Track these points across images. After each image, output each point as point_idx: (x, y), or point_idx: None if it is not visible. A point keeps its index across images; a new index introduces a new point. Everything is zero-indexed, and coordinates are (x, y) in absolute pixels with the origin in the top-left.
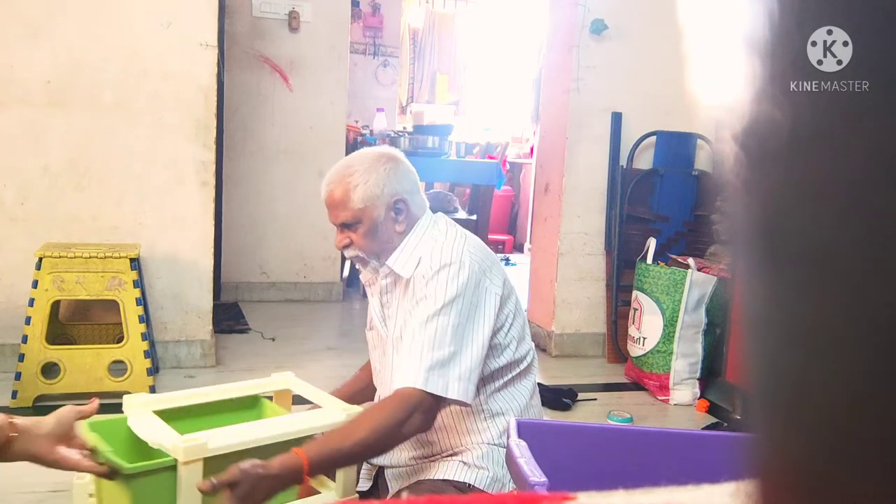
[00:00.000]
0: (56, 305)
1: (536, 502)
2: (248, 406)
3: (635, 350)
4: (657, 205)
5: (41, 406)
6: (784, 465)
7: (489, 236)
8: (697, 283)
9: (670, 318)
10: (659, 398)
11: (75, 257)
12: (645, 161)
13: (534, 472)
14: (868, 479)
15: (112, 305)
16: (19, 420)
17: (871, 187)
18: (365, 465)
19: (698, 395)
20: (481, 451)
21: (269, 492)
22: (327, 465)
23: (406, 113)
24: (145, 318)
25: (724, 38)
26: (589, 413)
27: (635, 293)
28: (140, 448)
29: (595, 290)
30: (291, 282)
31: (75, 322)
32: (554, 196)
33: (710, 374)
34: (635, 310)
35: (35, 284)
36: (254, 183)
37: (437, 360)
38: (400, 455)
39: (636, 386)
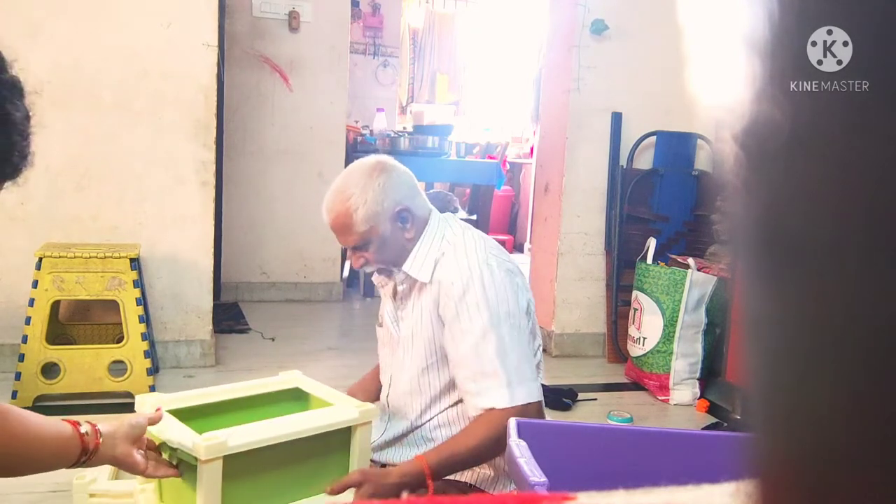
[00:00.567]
0: (56, 305)
1: (536, 502)
2: (293, 398)
3: (635, 350)
4: (657, 205)
5: (41, 406)
6: (784, 465)
7: (489, 236)
8: (697, 283)
9: (670, 318)
10: (659, 398)
11: (75, 257)
12: (645, 161)
13: (534, 472)
14: (868, 480)
15: (112, 305)
16: (102, 426)
17: (871, 187)
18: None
19: (698, 395)
20: None
21: (391, 494)
22: (445, 471)
23: (406, 113)
24: (145, 318)
25: (724, 37)
26: (589, 413)
27: (635, 293)
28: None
29: (595, 290)
30: (291, 282)
31: (75, 322)
32: (554, 196)
33: (710, 374)
34: (635, 310)
35: (35, 284)
36: (254, 183)
37: (511, 370)
38: (401, 453)
39: (636, 386)
